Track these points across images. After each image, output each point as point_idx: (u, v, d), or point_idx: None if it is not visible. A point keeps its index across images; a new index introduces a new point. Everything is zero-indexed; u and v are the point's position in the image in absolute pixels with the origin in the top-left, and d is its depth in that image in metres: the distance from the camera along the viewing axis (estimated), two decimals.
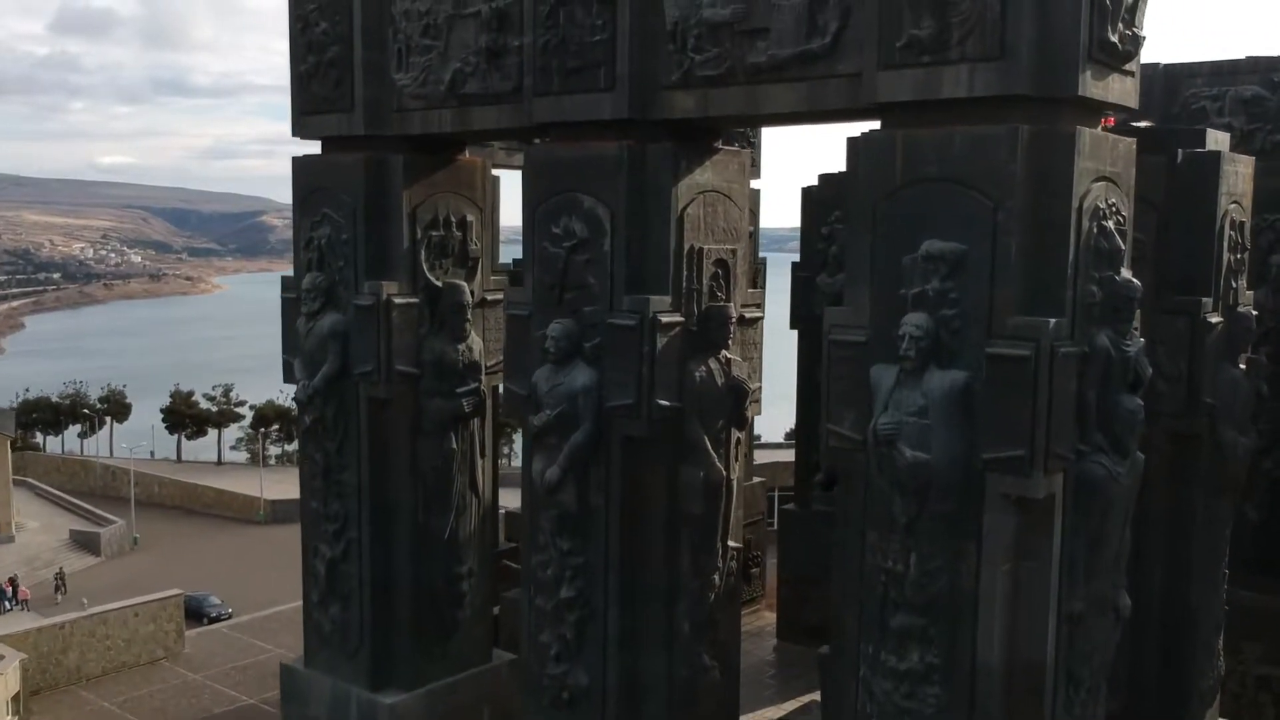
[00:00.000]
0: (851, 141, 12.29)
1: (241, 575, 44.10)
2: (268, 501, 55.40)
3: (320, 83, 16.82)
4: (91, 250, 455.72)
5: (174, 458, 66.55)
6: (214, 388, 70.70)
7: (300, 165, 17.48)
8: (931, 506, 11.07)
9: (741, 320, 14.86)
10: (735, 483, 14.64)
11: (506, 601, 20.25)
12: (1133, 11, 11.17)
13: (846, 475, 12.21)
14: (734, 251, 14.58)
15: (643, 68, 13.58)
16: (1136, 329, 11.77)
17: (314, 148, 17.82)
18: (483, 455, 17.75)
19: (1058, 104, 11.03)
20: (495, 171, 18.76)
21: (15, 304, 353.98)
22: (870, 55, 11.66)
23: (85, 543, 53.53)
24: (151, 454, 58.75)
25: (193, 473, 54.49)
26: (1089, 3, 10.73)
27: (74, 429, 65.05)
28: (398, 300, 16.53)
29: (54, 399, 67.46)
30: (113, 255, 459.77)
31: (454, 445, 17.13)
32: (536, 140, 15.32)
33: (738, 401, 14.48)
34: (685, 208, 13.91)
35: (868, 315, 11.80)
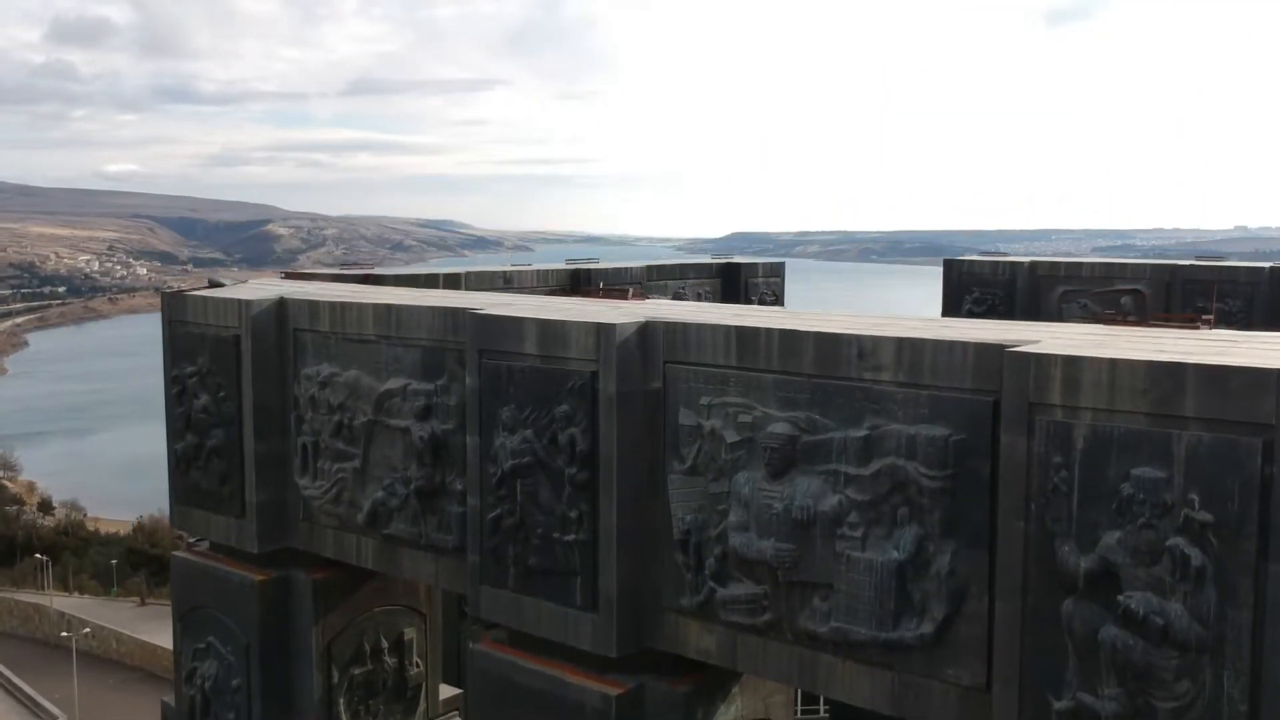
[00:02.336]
0: None
1: None
2: None
3: (203, 473, 12.36)
4: (97, 263, 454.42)
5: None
6: None
7: (180, 570, 13.01)
8: None
9: None
10: None
11: None
12: None
13: None
14: None
15: (641, 581, 9.08)
16: None
17: None
18: None
19: None
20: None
21: (19, 320, 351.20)
22: (1007, 690, 7.15)
23: None
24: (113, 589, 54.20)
25: (157, 622, 49.79)
26: None
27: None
28: None
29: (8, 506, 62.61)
30: (118, 268, 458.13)
31: None
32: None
33: None
34: None
35: None
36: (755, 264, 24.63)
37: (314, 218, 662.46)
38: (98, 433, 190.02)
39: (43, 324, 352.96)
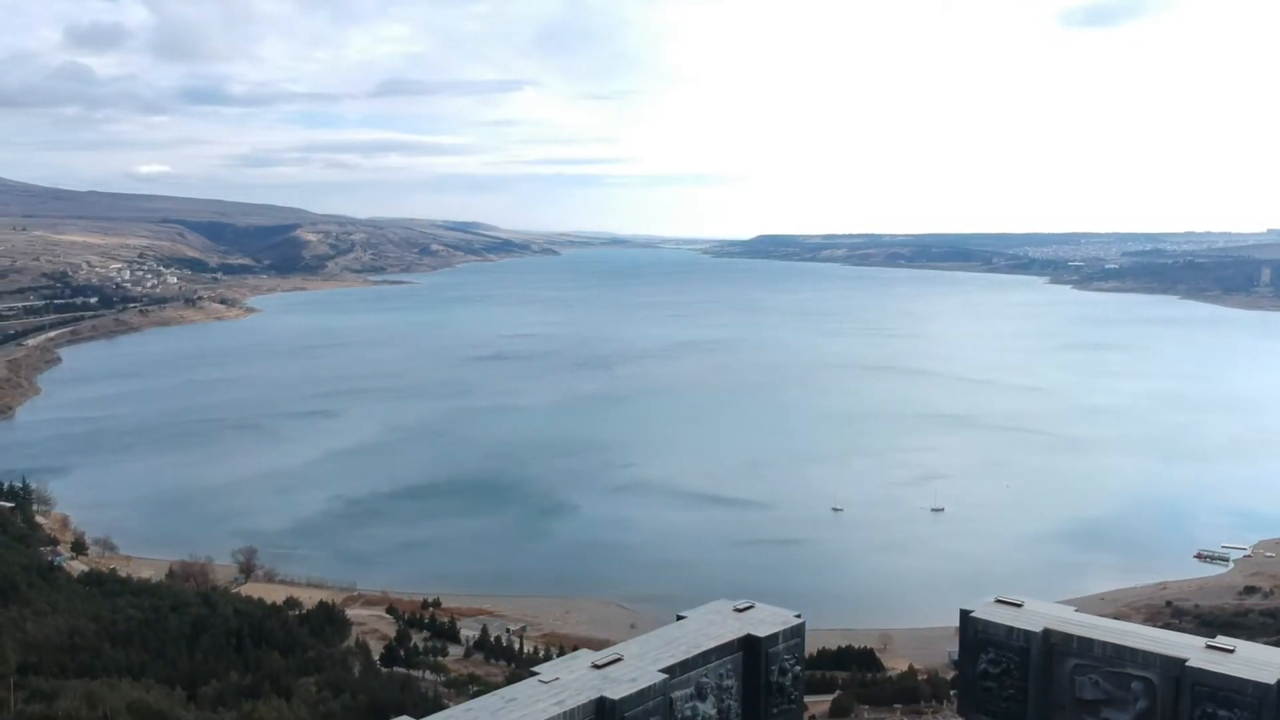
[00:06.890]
0: None
1: None
2: None
3: None
4: (128, 271, 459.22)
5: None
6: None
7: None
8: None
9: None
10: None
11: None
12: None
13: None
14: None
15: None
16: None
17: None
18: None
19: None
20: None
21: (52, 335, 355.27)
22: None
23: None
24: None
25: None
26: None
27: None
28: None
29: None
30: (149, 276, 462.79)
31: None
32: None
33: None
34: None
35: None
36: (775, 633, 25.27)
37: (342, 221, 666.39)
38: (129, 462, 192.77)
39: (75, 338, 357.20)
